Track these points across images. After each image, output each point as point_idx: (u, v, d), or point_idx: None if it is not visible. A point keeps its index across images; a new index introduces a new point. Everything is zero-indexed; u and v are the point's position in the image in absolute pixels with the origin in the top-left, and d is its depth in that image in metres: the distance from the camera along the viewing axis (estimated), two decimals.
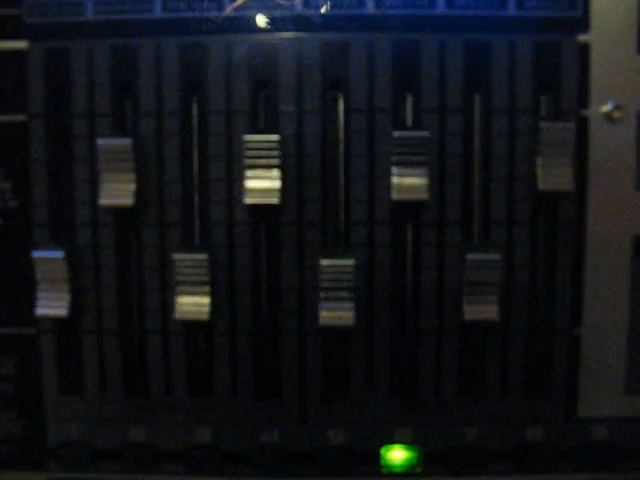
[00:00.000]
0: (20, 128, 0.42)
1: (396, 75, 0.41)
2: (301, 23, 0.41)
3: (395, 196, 0.39)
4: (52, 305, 0.40)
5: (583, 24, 0.41)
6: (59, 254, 0.40)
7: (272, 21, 0.41)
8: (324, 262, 0.40)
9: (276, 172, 0.39)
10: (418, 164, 0.39)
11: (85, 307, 0.42)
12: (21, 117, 0.42)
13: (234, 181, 0.41)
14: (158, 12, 0.41)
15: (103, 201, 0.40)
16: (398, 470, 0.43)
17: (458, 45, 0.41)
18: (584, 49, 0.41)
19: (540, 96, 0.41)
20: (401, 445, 0.43)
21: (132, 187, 0.40)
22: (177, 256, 0.40)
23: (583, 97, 0.41)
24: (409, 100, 0.41)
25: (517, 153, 0.41)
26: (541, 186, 0.39)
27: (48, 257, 0.40)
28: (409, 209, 0.41)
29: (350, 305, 0.40)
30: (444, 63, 0.41)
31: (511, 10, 0.41)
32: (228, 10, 0.40)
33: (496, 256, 0.39)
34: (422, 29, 0.41)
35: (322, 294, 0.40)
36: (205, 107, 0.41)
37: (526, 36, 0.41)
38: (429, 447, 0.43)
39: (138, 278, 0.42)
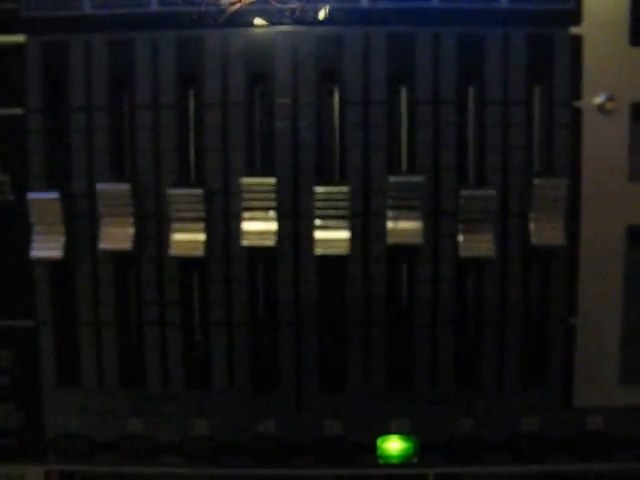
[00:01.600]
0: (18, 121, 0.42)
1: (390, 68, 0.41)
2: (297, 17, 0.41)
3: (390, 240, 0.40)
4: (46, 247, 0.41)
5: (575, 16, 0.41)
6: (54, 195, 0.40)
7: (268, 15, 0.41)
8: (319, 189, 0.40)
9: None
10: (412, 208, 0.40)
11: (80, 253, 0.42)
12: (19, 111, 0.42)
13: (230, 173, 0.41)
14: (155, 6, 0.41)
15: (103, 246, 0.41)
16: (394, 460, 0.43)
17: (452, 38, 0.41)
18: (577, 41, 0.41)
19: (533, 88, 0.41)
20: (397, 435, 0.43)
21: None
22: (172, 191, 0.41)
23: (576, 89, 0.41)
24: (403, 92, 0.42)
25: (510, 144, 0.41)
26: (534, 241, 0.40)
27: (43, 198, 0.40)
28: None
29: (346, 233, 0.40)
30: (438, 56, 0.41)
31: (504, 3, 0.41)
32: (227, 13, 0.41)
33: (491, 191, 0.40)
34: (416, 22, 0.41)
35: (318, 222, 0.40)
36: (201, 100, 0.41)
37: (519, 28, 0.41)
38: (425, 437, 0.43)
39: (136, 270, 0.43)
